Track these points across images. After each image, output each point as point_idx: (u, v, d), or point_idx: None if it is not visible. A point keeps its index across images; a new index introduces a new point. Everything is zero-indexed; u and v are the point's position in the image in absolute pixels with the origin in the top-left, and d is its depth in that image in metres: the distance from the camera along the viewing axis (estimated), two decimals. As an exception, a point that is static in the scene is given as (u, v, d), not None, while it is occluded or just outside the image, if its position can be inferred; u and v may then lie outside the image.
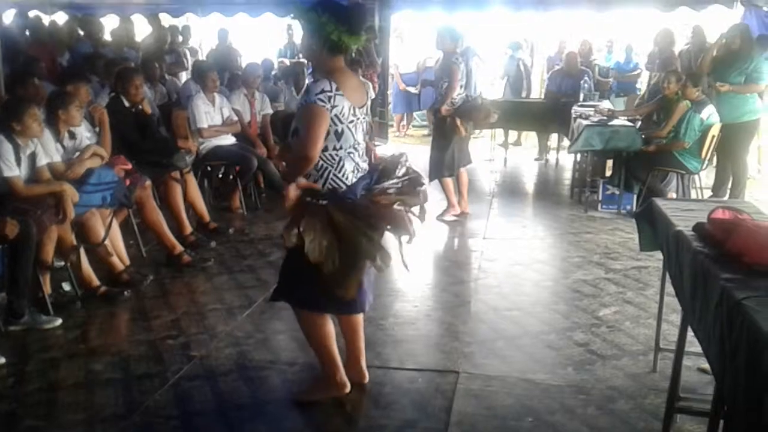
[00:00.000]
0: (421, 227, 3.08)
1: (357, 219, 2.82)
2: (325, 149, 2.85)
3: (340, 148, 2.88)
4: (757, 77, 6.52)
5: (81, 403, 3.21)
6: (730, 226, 2.37)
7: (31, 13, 9.36)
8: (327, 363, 3.16)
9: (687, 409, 2.84)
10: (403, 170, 3.04)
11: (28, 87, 4.83)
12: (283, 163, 3.32)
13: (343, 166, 2.89)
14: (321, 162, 2.87)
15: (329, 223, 2.80)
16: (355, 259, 2.83)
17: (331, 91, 2.79)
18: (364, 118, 2.98)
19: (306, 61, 8.54)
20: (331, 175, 2.88)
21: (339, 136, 2.86)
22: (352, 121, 2.88)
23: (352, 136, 2.90)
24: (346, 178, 2.90)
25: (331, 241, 2.79)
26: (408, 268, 3.01)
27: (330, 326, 3.13)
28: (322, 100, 2.77)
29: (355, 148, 2.94)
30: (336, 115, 2.82)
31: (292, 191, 2.83)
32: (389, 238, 2.96)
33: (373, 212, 2.86)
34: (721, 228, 2.40)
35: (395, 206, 2.90)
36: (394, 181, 2.99)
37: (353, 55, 3.16)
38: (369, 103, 3.03)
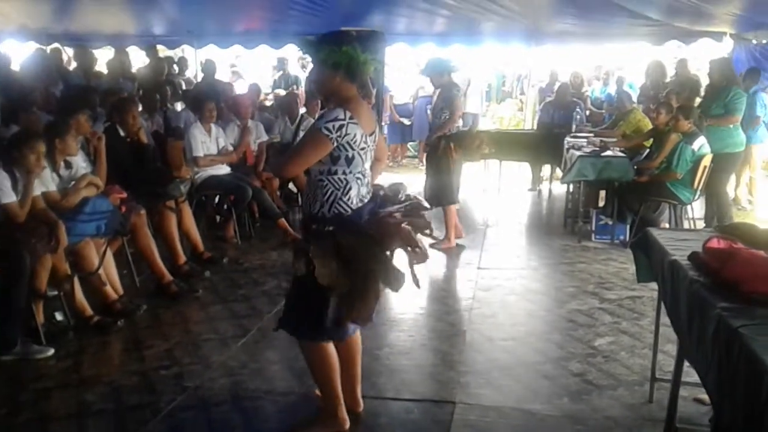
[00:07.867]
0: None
1: (365, 241, 2.82)
2: (335, 173, 2.87)
3: (350, 172, 2.89)
4: (733, 109, 6.61)
5: (73, 434, 3.17)
6: (725, 255, 2.39)
7: (27, 44, 9.43)
8: (330, 397, 3.12)
9: (684, 440, 2.84)
10: (405, 196, 3.07)
11: (28, 117, 4.85)
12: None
13: (349, 190, 2.90)
14: (329, 186, 2.88)
15: (337, 248, 2.80)
16: (367, 281, 2.81)
17: (344, 120, 2.82)
18: (372, 146, 3.00)
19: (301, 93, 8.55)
20: (337, 200, 2.88)
21: (350, 161, 2.88)
22: (363, 149, 2.91)
23: (362, 162, 2.93)
24: (351, 203, 2.90)
25: (340, 265, 2.78)
26: (419, 285, 2.94)
27: (335, 360, 3.08)
28: (328, 129, 2.80)
29: (363, 175, 2.96)
30: (348, 142, 2.84)
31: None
32: (400, 258, 2.92)
33: (381, 232, 2.85)
34: (717, 257, 2.42)
35: (403, 225, 2.88)
36: (399, 206, 3.00)
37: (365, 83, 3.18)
38: (377, 130, 3.05)
